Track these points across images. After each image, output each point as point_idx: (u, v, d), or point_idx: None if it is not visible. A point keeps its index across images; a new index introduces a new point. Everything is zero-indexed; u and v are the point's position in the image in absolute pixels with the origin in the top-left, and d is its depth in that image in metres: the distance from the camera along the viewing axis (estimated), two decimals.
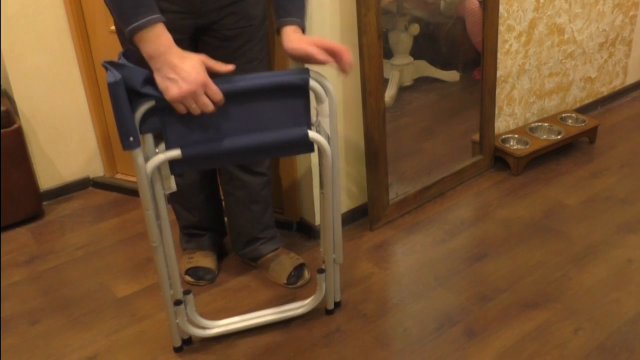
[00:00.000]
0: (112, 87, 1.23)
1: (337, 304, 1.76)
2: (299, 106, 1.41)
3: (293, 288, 1.86)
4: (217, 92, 1.30)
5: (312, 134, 1.42)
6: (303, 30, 1.45)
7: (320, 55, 1.36)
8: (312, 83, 1.39)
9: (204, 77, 1.27)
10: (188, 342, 1.66)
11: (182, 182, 1.79)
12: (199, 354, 1.63)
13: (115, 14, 1.28)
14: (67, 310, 1.82)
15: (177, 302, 1.56)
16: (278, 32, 1.44)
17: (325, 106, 1.42)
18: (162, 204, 1.42)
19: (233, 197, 1.82)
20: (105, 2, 1.33)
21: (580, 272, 1.90)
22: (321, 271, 1.67)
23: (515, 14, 2.42)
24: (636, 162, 2.55)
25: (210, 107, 1.30)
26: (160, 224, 1.45)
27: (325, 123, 1.45)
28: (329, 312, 1.74)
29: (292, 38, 1.40)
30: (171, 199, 1.89)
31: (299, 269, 1.88)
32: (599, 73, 2.99)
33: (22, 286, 1.94)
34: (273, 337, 1.68)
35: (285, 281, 1.87)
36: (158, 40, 1.25)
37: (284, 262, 1.89)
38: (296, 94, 1.40)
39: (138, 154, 1.32)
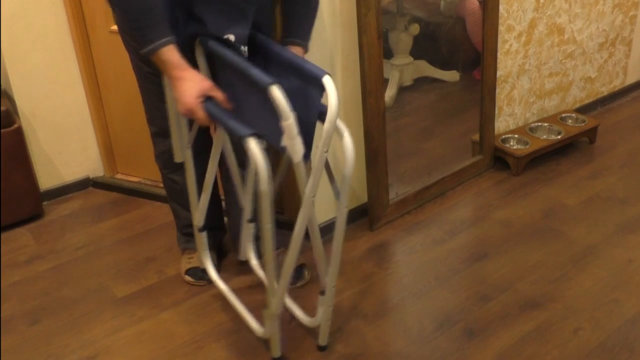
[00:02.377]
0: None
1: (323, 348, 1.63)
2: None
3: (293, 288, 1.86)
4: (202, 120, 1.40)
5: (252, 142, 1.28)
6: (305, 50, 1.59)
7: None
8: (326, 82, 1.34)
9: (192, 103, 1.38)
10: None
11: (182, 181, 1.79)
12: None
13: (131, 32, 1.40)
14: (67, 310, 1.82)
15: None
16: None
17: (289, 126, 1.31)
18: None
19: (233, 196, 1.82)
20: (117, 18, 1.39)
21: (580, 272, 1.90)
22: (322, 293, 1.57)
23: (515, 14, 2.42)
24: (636, 162, 2.55)
25: (203, 124, 1.42)
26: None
27: (292, 143, 1.32)
28: (321, 349, 1.63)
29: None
30: (170, 199, 1.89)
31: (298, 269, 1.89)
32: (599, 73, 2.99)
33: (22, 286, 1.94)
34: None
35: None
36: (168, 61, 1.39)
37: (283, 262, 1.89)
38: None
39: None
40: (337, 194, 1.44)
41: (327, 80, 1.32)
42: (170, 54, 1.38)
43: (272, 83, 1.25)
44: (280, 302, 1.47)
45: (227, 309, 1.78)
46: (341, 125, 1.38)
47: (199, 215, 1.75)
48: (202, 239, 1.81)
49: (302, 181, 1.37)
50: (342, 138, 1.37)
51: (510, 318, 1.72)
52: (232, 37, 1.46)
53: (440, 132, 2.41)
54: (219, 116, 1.36)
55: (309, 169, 1.39)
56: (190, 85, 1.38)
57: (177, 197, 1.86)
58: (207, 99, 1.39)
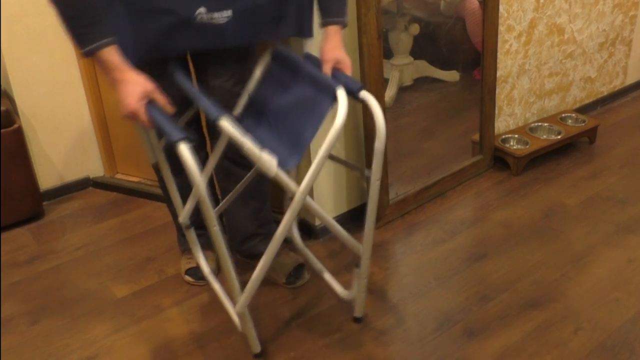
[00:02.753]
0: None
1: (358, 320, 1.71)
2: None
3: (292, 288, 1.86)
4: (144, 123, 1.37)
5: (182, 146, 1.27)
6: (344, 25, 1.58)
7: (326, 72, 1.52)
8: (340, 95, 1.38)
9: (133, 106, 1.34)
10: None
11: (179, 181, 1.79)
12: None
13: (69, 33, 1.34)
14: (67, 310, 1.82)
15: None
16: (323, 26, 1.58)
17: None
18: None
19: (230, 194, 1.82)
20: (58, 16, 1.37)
21: (580, 272, 1.90)
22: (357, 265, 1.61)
23: (515, 14, 2.42)
24: (636, 162, 2.55)
25: (146, 127, 1.39)
26: None
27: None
28: (357, 320, 1.70)
29: (324, 44, 1.55)
30: (168, 199, 1.89)
31: (298, 269, 1.88)
32: (599, 73, 2.99)
33: (22, 286, 1.94)
34: (272, 336, 1.68)
35: (284, 281, 1.87)
36: (109, 62, 1.34)
37: (283, 262, 1.89)
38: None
39: None
40: (361, 171, 1.47)
41: (340, 92, 1.37)
42: (111, 54, 1.33)
43: (219, 116, 1.27)
44: (246, 301, 1.47)
45: (225, 309, 1.78)
46: (370, 98, 1.43)
47: (184, 213, 1.70)
48: (191, 235, 1.80)
49: (287, 186, 1.36)
50: (373, 112, 1.40)
51: (510, 318, 1.72)
52: (202, 10, 1.44)
53: (440, 132, 2.41)
54: (158, 119, 1.33)
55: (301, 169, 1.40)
56: (132, 87, 1.34)
57: (174, 167, 1.84)
58: (149, 101, 1.36)
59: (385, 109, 2.03)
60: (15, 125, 2.15)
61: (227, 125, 1.26)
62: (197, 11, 1.44)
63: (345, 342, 1.65)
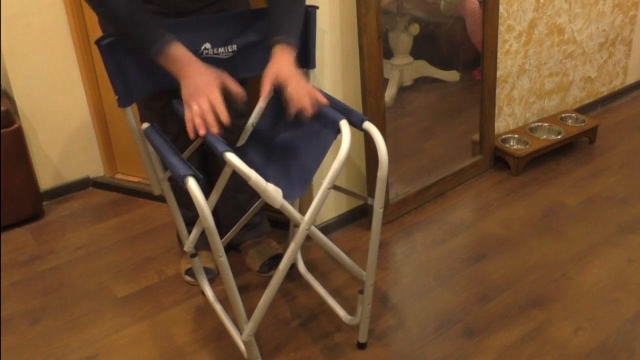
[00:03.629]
0: None
1: (362, 345, 1.66)
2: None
3: (265, 276, 1.90)
4: (223, 113, 1.33)
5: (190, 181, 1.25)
6: (295, 48, 1.45)
7: (264, 91, 1.42)
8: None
9: (214, 93, 1.33)
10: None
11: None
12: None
13: (133, 44, 1.37)
14: (67, 310, 1.82)
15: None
16: (269, 48, 1.46)
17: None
18: None
19: (224, 192, 1.83)
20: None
21: (580, 272, 1.90)
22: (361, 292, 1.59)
23: (515, 14, 2.42)
24: (636, 162, 2.55)
25: (213, 129, 1.33)
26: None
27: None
28: (360, 346, 1.64)
29: (274, 63, 1.43)
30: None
31: (275, 258, 1.91)
32: (599, 73, 2.99)
33: (22, 286, 1.94)
34: (272, 337, 1.68)
35: (257, 269, 1.91)
36: (173, 58, 1.35)
37: (262, 250, 1.94)
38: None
39: None
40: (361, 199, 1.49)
41: (343, 124, 1.37)
42: (178, 49, 1.35)
43: (225, 151, 1.26)
44: (252, 329, 1.45)
45: (227, 309, 1.78)
46: (373, 129, 1.42)
47: (189, 242, 1.67)
48: (196, 264, 1.76)
49: (293, 217, 1.37)
50: (376, 143, 1.40)
51: (510, 318, 1.72)
52: (208, 46, 1.49)
53: (440, 132, 2.40)
54: (166, 158, 1.33)
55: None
56: (205, 75, 1.35)
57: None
58: (152, 129, 1.39)
59: (385, 109, 2.04)
60: (15, 125, 2.15)
61: (232, 158, 1.26)
62: (203, 46, 1.48)
63: (345, 342, 1.65)
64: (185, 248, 1.68)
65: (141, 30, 1.34)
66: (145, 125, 1.49)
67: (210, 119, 1.32)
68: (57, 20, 2.23)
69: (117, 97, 1.43)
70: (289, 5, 1.50)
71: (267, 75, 1.41)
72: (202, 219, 1.24)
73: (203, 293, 1.81)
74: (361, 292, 1.57)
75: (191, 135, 1.34)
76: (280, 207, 1.32)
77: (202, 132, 1.32)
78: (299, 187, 1.43)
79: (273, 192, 1.30)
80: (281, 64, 1.42)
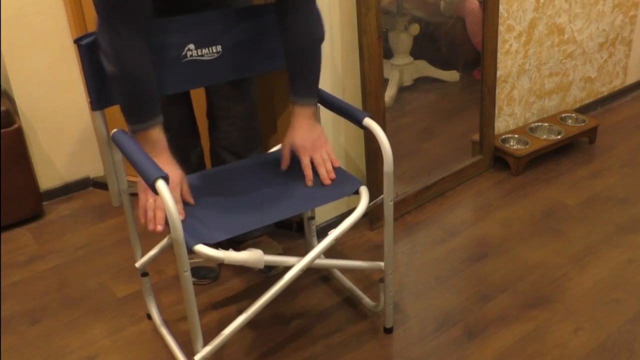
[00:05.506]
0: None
1: (389, 330, 1.70)
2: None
3: (265, 277, 1.90)
4: (159, 219, 1.33)
5: (160, 183, 1.22)
6: (314, 104, 1.54)
7: (283, 163, 1.56)
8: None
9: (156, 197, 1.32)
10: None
11: None
12: None
13: (124, 111, 1.36)
14: (67, 310, 1.82)
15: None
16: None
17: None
18: None
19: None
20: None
21: (580, 272, 1.90)
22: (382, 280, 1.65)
23: (515, 14, 2.42)
24: (636, 162, 2.55)
25: (159, 227, 1.34)
26: None
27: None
28: (387, 331, 1.69)
29: (291, 130, 1.53)
30: None
31: None
32: (599, 73, 2.99)
33: (22, 286, 1.94)
34: (272, 337, 1.68)
35: (257, 269, 1.90)
36: (151, 144, 1.36)
37: (263, 250, 1.91)
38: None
39: None
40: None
41: (363, 190, 1.49)
42: (156, 133, 1.36)
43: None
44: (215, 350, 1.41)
45: (227, 309, 1.78)
46: (374, 126, 1.46)
47: (144, 259, 1.61)
48: (145, 284, 1.70)
49: (285, 264, 1.44)
50: (378, 139, 1.44)
51: (510, 318, 1.72)
52: (192, 47, 1.48)
53: (440, 132, 2.40)
54: (136, 160, 1.29)
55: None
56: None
57: None
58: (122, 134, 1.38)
59: (385, 109, 2.04)
60: (15, 125, 2.15)
61: (202, 249, 1.26)
62: (187, 47, 1.47)
63: (345, 342, 1.65)
64: (137, 264, 1.62)
65: (136, 99, 1.33)
66: (115, 130, 1.42)
67: (158, 217, 1.33)
68: (57, 20, 2.23)
69: (89, 100, 1.41)
70: (307, 61, 1.51)
71: (285, 147, 1.53)
72: (170, 225, 1.19)
73: (149, 316, 1.77)
74: (382, 280, 1.63)
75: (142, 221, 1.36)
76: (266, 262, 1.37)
77: (151, 227, 1.33)
78: (294, 210, 1.45)
79: (253, 258, 1.33)
80: (296, 133, 1.51)
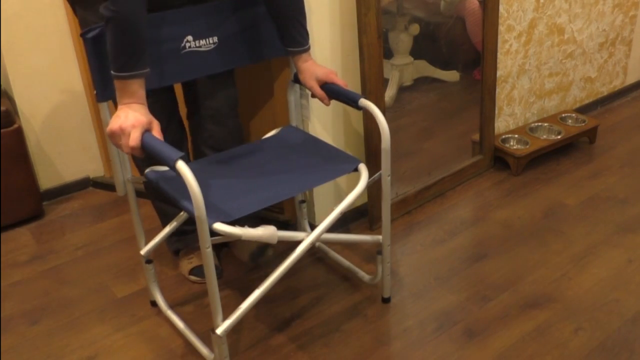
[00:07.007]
0: None
1: (387, 300, 1.80)
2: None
3: (255, 266, 1.93)
4: (134, 140, 1.33)
5: (180, 164, 1.26)
6: (309, 49, 1.64)
7: (319, 94, 1.65)
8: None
9: (125, 126, 1.33)
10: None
11: (160, 210, 1.80)
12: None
13: (114, 57, 1.35)
14: (67, 310, 1.82)
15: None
16: (289, 54, 1.65)
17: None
18: None
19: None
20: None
21: (580, 272, 1.90)
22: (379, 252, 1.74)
23: (515, 14, 2.42)
24: (636, 162, 2.55)
25: (124, 149, 1.37)
26: None
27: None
28: (385, 301, 1.79)
29: (302, 70, 1.64)
30: (155, 198, 1.89)
31: (262, 247, 1.91)
32: (599, 73, 2.99)
33: (22, 286, 1.94)
34: (271, 338, 1.68)
35: (247, 259, 1.92)
36: (129, 93, 1.37)
37: (250, 241, 1.93)
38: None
39: None
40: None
41: (362, 168, 1.58)
42: (138, 84, 1.36)
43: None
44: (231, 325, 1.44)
45: (227, 309, 1.78)
46: (371, 105, 1.53)
47: (149, 246, 1.67)
48: (149, 271, 1.74)
49: (295, 238, 1.52)
50: (375, 118, 1.51)
51: (510, 318, 1.72)
52: (190, 38, 1.53)
53: (440, 132, 2.40)
54: (153, 144, 1.33)
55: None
56: (133, 114, 1.35)
57: (161, 195, 1.84)
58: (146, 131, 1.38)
59: (385, 109, 2.03)
60: (15, 125, 2.15)
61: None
62: (185, 39, 1.51)
63: (345, 342, 1.65)
64: (142, 252, 1.68)
65: (126, 44, 1.32)
66: None
67: (133, 137, 1.34)
68: (57, 20, 2.23)
69: (95, 91, 1.45)
70: (294, 14, 1.59)
71: (313, 86, 1.62)
72: (194, 202, 1.23)
73: (153, 303, 1.82)
74: (379, 252, 1.72)
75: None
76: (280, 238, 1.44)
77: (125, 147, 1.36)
78: (295, 190, 1.50)
79: (267, 233, 1.39)
80: (314, 68, 1.63)
